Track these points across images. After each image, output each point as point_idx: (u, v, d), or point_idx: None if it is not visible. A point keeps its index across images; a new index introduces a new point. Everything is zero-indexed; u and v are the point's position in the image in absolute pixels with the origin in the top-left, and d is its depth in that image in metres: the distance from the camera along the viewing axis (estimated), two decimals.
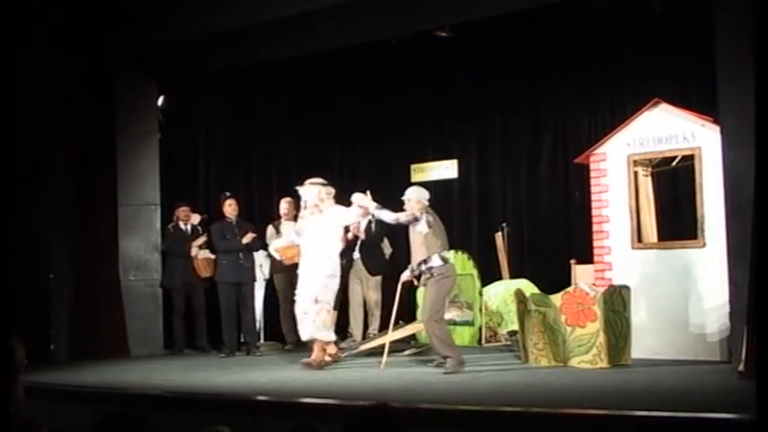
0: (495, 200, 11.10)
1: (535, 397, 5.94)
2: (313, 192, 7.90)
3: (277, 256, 8.82)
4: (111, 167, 9.64)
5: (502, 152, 11.07)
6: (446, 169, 11.36)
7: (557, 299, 7.37)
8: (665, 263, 7.68)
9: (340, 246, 8.16)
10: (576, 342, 7.22)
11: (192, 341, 9.87)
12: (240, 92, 10.98)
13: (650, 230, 8.10)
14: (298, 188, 8.16)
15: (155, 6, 8.92)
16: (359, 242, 9.60)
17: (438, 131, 11.44)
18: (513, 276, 9.83)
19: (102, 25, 9.34)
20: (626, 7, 9.08)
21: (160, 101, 10.19)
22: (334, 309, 9.23)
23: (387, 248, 9.89)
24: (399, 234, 8.69)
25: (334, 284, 7.94)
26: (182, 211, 9.92)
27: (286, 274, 9.35)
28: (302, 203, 8.12)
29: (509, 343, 9.17)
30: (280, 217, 9.75)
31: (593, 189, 8.11)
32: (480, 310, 9.46)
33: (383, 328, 9.16)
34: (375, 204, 7.73)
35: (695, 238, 7.60)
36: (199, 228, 9.97)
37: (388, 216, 7.63)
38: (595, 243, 8.08)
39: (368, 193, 7.82)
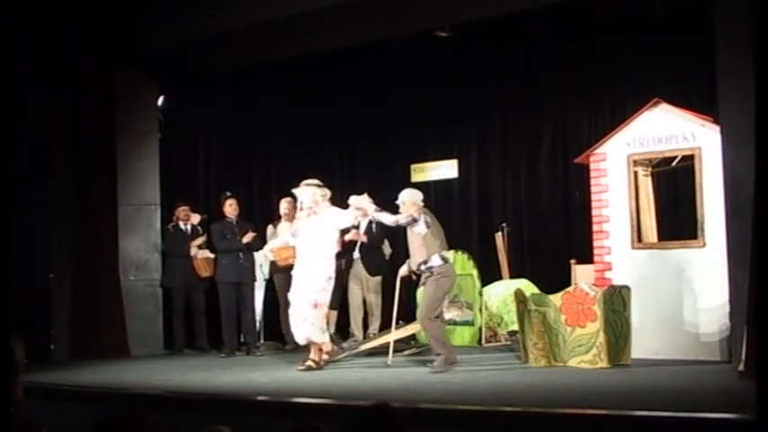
0: (495, 200, 11.11)
1: (535, 397, 5.93)
2: (308, 193, 7.87)
3: (271, 257, 8.82)
4: (110, 167, 9.63)
5: (502, 152, 11.07)
6: (446, 169, 11.37)
7: (557, 299, 7.37)
8: (665, 263, 7.68)
9: (336, 248, 8.13)
10: (576, 342, 7.22)
11: (192, 341, 9.87)
12: (240, 92, 10.98)
13: (650, 230, 8.10)
14: (293, 190, 8.16)
15: (155, 6, 8.93)
16: (359, 243, 9.62)
17: (438, 131, 11.44)
18: (513, 276, 9.84)
19: (102, 25, 9.34)
20: (626, 7, 9.08)
21: (160, 101, 10.19)
22: (334, 309, 9.25)
23: (387, 249, 9.90)
24: (399, 235, 8.69)
25: (331, 286, 7.94)
26: (182, 211, 9.92)
27: (286, 275, 9.30)
28: (298, 204, 8.11)
29: (509, 343, 9.18)
30: (280, 217, 9.75)
31: (593, 189, 8.11)
32: (480, 310, 9.46)
33: (383, 327, 9.17)
34: (374, 207, 7.73)
35: (695, 238, 7.60)
36: (199, 228, 9.97)
37: (388, 218, 7.64)
38: (595, 243, 8.08)
39: (365, 195, 7.82)
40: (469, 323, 9.57)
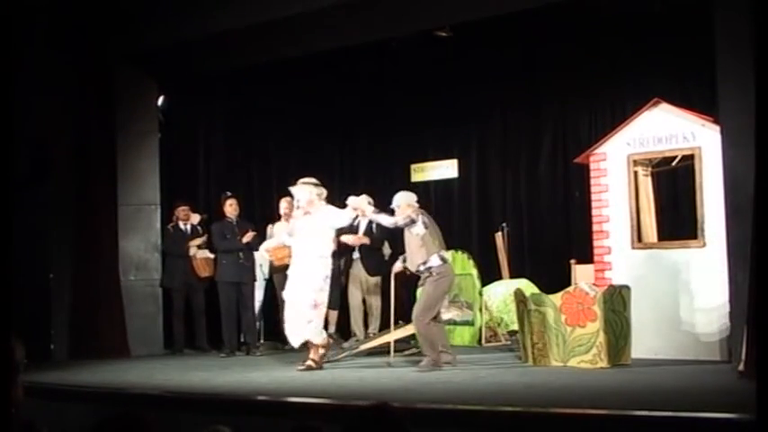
0: (495, 200, 11.11)
1: (535, 397, 5.93)
2: (305, 191, 7.85)
3: (267, 257, 8.80)
4: (110, 167, 9.63)
5: (502, 152, 11.08)
6: (446, 169, 11.37)
7: (557, 299, 7.37)
8: (665, 263, 7.68)
9: (332, 247, 8.11)
10: (576, 342, 7.22)
11: (192, 341, 9.87)
12: (240, 92, 10.98)
13: (650, 230, 8.10)
14: (290, 188, 8.15)
15: (155, 6, 8.93)
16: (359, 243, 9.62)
17: (438, 131, 11.45)
18: (513, 276, 9.84)
19: (102, 25, 9.34)
20: (626, 7, 9.08)
21: (160, 101, 10.19)
22: (334, 309, 9.23)
23: (386, 250, 9.89)
24: (399, 236, 8.69)
25: (329, 285, 7.93)
26: (181, 211, 9.92)
27: (285, 274, 9.32)
28: (295, 203, 8.10)
29: (509, 343, 9.18)
30: (280, 217, 9.75)
31: (593, 189, 8.11)
32: (480, 310, 9.45)
33: (383, 327, 9.17)
34: (372, 208, 7.73)
35: (695, 237, 7.60)
36: (199, 227, 9.97)
37: (386, 220, 7.65)
38: (595, 243, 8.08)
39: (364, 196, 7.81)
40: (469, 323, 9.57)
